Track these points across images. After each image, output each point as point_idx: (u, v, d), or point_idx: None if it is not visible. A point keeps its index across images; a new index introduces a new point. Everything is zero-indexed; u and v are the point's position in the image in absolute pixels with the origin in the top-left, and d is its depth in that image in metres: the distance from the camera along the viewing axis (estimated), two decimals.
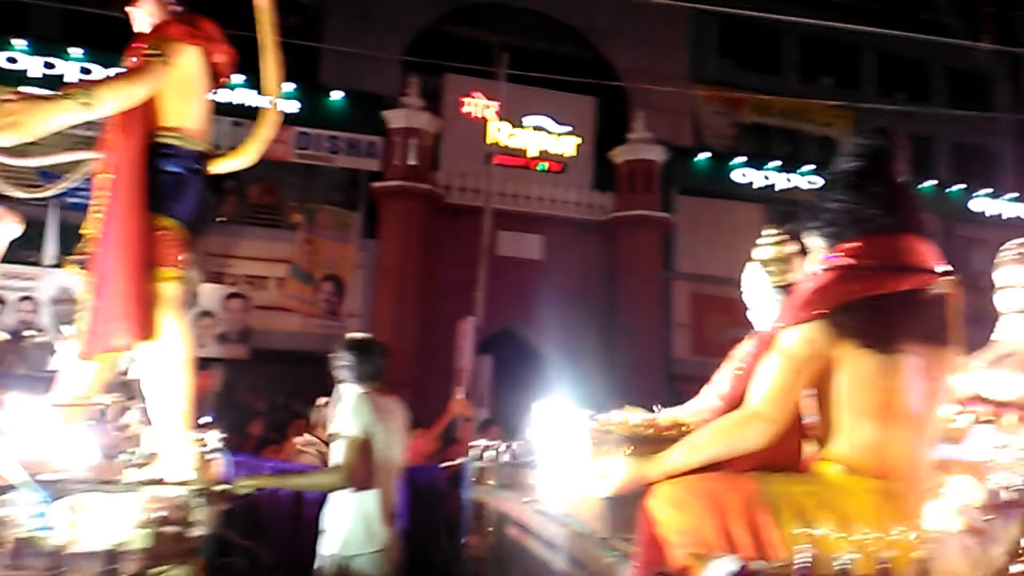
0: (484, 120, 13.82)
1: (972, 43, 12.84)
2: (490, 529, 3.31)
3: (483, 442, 3.70)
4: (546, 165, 14.75)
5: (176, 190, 2.52)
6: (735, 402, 1.99)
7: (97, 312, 2.44)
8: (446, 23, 14.53)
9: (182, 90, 2.58)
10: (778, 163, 15.47)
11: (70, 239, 11.15)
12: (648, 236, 14.02)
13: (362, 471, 3.24)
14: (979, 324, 2.74)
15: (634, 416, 2.53)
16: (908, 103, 15.70)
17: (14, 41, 12.28)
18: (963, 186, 16.40)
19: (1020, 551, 1.58)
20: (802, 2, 12.82)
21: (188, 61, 2.58)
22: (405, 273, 13.12)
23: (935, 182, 15.89)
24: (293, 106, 13.52)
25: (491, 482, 3.46)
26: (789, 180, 15.37)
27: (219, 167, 2.78)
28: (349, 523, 3.28)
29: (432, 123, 13.62)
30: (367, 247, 13.52)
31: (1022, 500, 1.70)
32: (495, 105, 12.85)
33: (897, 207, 2.05)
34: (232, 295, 12.18)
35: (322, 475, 3.57)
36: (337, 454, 3.28)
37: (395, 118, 13.33)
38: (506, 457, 3.54)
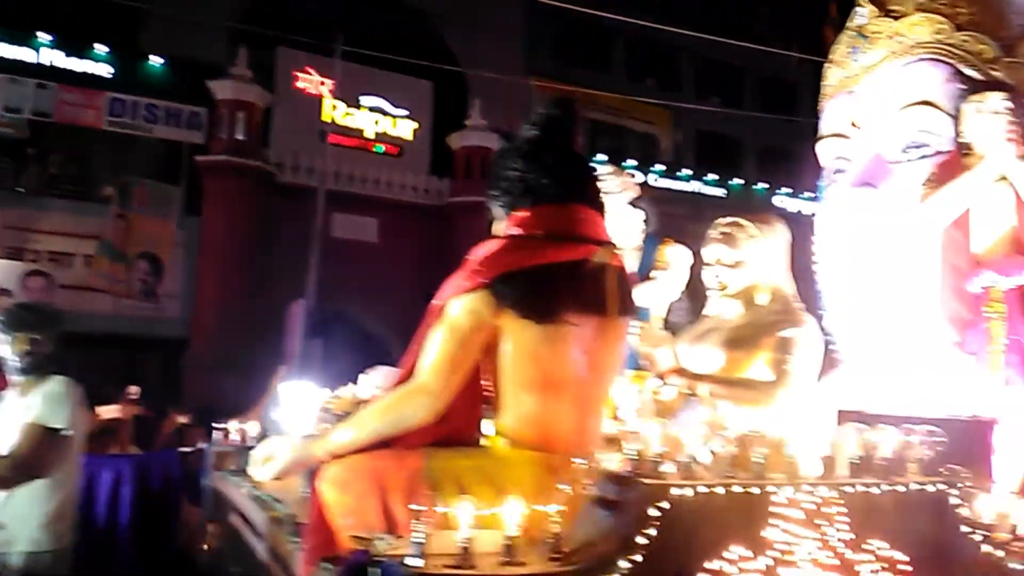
0: (319, 97, 13.41)
1: (782, 51, 13.96)
2: (219, 519, 3.17)
3: (232, 424, 3.58)
4: (383, 147, 14.56)
5: None
6: (407, 376, 1.94)
7: None
8: None
9: None
10: (604, 157, 16.17)
11: None
12: (484, 222, 14.10)
13: (43, 462, 2.93)
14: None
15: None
16: (722, 106, 16.88)
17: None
18: (767, 185, 17.88)
19: (645, 520, 1.59)
20: (633, 4, 13.40)
21: None
22: (231, 253, 12.51)
23: (742, 181, 17.24)
24: (105, 70, 12.51)
25: (231, 467, 3.32)
26: None
27: None
28: (23, 518, 2.95)
29: (262, 97, 13.05)
30: (189, 225, 12.77)
31: (642, 472, 1.69)
32: (330, 83, 12.51)
33: (567, 177, 2.03)
34: (32, 272, 11.07)
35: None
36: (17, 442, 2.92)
37: (222, 89, 12.65)
38: (238, 439, 3.44)
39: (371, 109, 14.38)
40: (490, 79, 13.68)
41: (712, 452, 1.84)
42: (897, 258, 3.00)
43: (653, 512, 1.62)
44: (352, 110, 14.11)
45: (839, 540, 1.84)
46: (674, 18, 12.88)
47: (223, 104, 12.65)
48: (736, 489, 1.74)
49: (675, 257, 3.82)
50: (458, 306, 1.90)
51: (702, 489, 1.69)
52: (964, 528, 2.03)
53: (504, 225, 2.05)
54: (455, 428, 1.94)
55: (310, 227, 10.61)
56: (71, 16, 12.22)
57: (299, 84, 13.83)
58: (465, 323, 1.89)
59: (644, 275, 3.74)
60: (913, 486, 1.98)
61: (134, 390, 5.50)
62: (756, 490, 1.77)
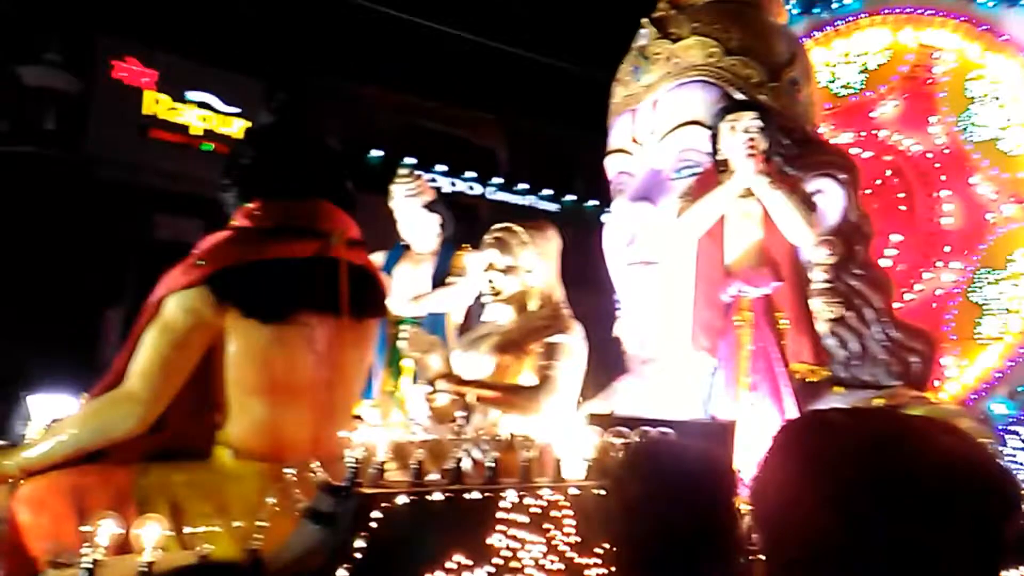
0: (140, 89, 12.62)
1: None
2: None
3: None
4: (212, 146, 13.88)
5: None
6: (115, 380, 1.79)
7: None
8: None
9: None
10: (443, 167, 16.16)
11: None
12: None
13: None
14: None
15: None
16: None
17: None
18: (596, 202, 18.48)
19: (359, 531, 1.51)
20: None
21: None
22: (35, 252, 11.53)
23: (574, 197, 17.68)
24: None
25: None
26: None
27: None
28: None
29: (75, 84, 12.13)
30: None
31: (358, 481, 1.60)
32: (153, 75, 11.80)
33: (302, 170, 1.96)
34: None
35: None
36: None
37: (28, 74, 11.65)
38: None
39: (199, 105, 13.69)
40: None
41: (474, 458, 1.83)
42: (662, 269, 3.15)
43: (368, 522, 1.57)
44: (177, 104, 13.38)
45: (567, 543, 1.87)
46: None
47: (30, 91, 11.66)
48: (459, 495, 1.73)
49: (472, 263, 3.84)
50: (174, 303, 1.77)
51: (422, 496, 1.67)
52: None
53: (232, 218, 1.95)
54: (178, 439, 1.81)
55: (130, 226, 9.95)
56: None
57: (118, 74, 12.97)
58: (181, 322, 1.76)
59: (441, 280, 3.74)
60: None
61: None
62: (479, 495, 1.77)
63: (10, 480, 1.71)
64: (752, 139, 2.80)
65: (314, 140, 2.04)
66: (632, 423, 2.21)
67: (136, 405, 1.72)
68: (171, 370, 1.75)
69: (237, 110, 14.04)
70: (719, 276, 2.82)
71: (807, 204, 2.84)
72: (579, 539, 1.87)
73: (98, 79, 12.60)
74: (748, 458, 2.60)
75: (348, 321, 1.92)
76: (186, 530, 1.60)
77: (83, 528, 1.41)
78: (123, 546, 1.48)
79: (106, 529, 1.43)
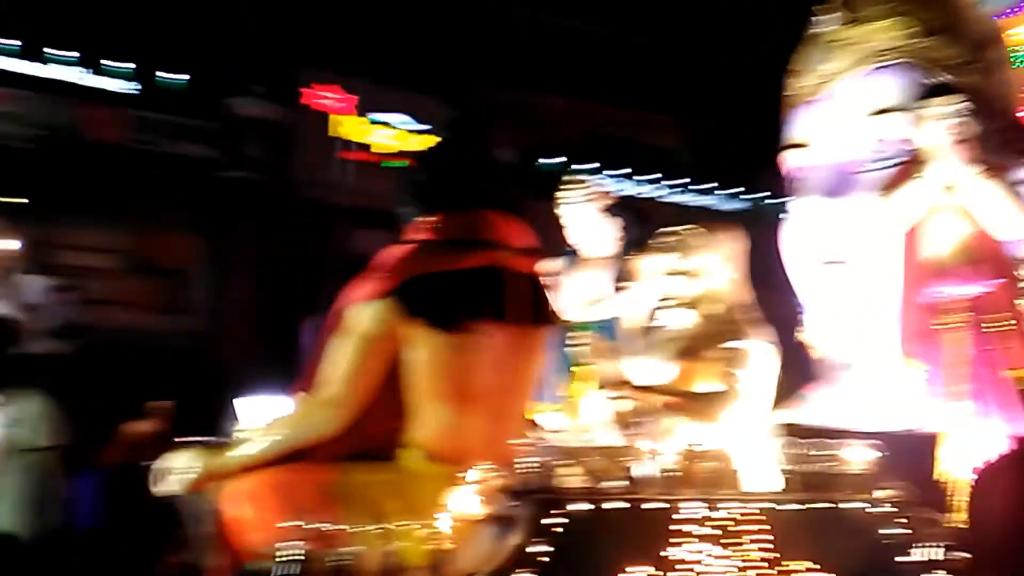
0: (338, 113, 13.56)
1: None
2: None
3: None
4: (406, 163, 14.60)
5: None
6: (310, 386, 1.91)
7: None
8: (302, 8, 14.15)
9: None
10: (623, 171, 16.07)
11: None
12: None
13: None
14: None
15: None
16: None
17: None
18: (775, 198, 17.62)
19: (539, 537, 1.54)
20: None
21: None
22: (249, 268, 12.67)
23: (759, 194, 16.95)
24: (130, 87, 12.78)
25: None
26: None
27: None
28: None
29: (280, 113, 13.22)
30: (210, 240, 12.96)
31: (537, 486, 1.65)
32: (349, 99, 12.65)
33: (474, 183, 2.03)
34: (60, 287, 11.34)
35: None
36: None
37: (241, 106, 12.84)
38: None
39: (391, 125, 14.48)
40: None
41: (657, 468, 1.81)
42: (854, 268, 2.94)
43: (545, 527, 1.59)
44: (371, 127, 14.23)
45: (760, 559, 1.79)
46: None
47: (241, 121, 12.85)
48: (636, 504, 1.70)
49: (649, 267, 3.78)
50: (362, 313, 1.87)
51: (600, 504, 1.66)
52: (902, 548, 1.96)
53: (411, 231, 2.04)
54: (369, 441, 1.92)
55: (330, 241, 10.70)
56: (98, 35, 12.52)
57: (316, 101, 13.99)
58: (370, 331, 1.86)
59: (616, 285, 3.71)
60: (845, 503, 1.92)
61: (161, 405, 5.57)
62: (664, 505, 1.73)
63: (220, 478, 1.87)
64: (959, 125, 2.56)
65: (484, 153, 2.11)
66: (826, 434, 2.09)
67: (335, 409, 1.85)
68: (362, 376, 1.86)
69: (425, 128, 14.76)
70: (927, 275, 2.60)
71: (1016, 195, 2.56)
72: (771, 556, 1.78)
73: (299, 107, 13.67)
74: (960, 470, 2.38)
75: (521, 329, 1.96)
76: (380, 527, 1.68)
77: (290, 523, 1.54)
78: (328, 540, 1.60)
79: (312, 523, 1.54)
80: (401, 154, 14.57)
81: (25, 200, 11.35)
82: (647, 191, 15.99)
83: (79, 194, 12.40)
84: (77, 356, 10.97)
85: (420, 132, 14.73)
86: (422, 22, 13.63)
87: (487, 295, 1.92)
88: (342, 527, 1.57)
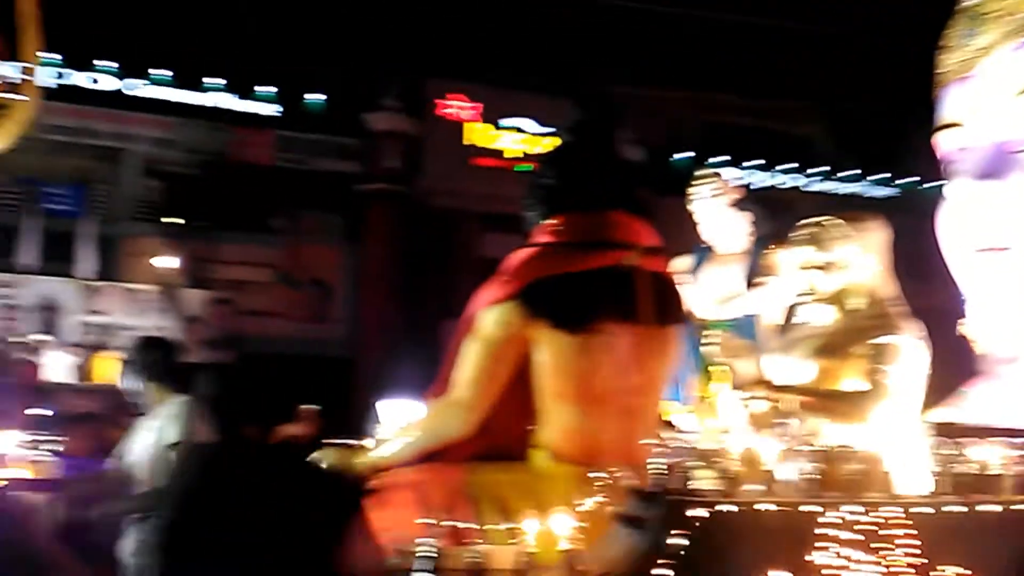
0: (466, 122, 13.85)
1: None
2: None
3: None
4: (532, 167, 14.71)
5: None
6: (443, 389, 1.94)
7: None
8: (422, 24, 14.55)
9: None
10: (758, 162, 15.53)
11: (53, 245, 11.23)
12: None
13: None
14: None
15: None
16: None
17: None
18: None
19: (672, 538, 1.53)
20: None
21: None
22: (388, 276, 13.13)
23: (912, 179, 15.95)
24: (274, 109, 13.55)
25: None
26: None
27: None
28: None
29: (413, 125, 13.64)
30: (350, 250, 13.53)
31: (670, 488, 1.63)
32: (476, 107, 12.91)
33: (599, 183, 2.00)
34: (217, 300, 12.19)
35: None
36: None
37: (376, 120, 13.35)
38: None
39: (517, 130, 14.64)
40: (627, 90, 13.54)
41: (798, 470, 1.74)
42: (1018, 256, 2.71)
43: (678, 529, 1.56)
44: (498, 132, 14.44)
45: (908, 565, 1.68)
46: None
47: (377, 135, 13.35)
48: (779, 507, 1.64)
49: (786, 262, 3.64)
50: (489, 317, 1.91)
51: (736, 506, 1.61)
52: None
53: (535, 234, 2.04)
54: (500, 441, 1.95)
55: (461, 248, 10.94)
56: (242, 61, 13.36)
57: (446, 110, 14.33)
58: (497, 334, 1.89)
59: (752, 280, 3.59)
60: (1002, 506, 1.77)
61: (311, 408, 5.90)
62: (806, 509, 1.66)
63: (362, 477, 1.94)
64: None
65: (608, 152, 2.09)
66: (986, 432, 1.94)
67: (464, 411, 1.89)
68: (491, 379, 1.90)
69: (552, 130, 14.84)
70: None
71: None
72: (920, 562, 1.67)
73: (428, 118, 14.08)
74: None
75: (649, 329, 1.94)
76: (511, 525, 1.70)
77: (425, 520, 1.59)
78: (461, 538, 1.65)
79: (446, 521, 1.59)
80: (529, 158, 14.72)
81: (183, 220, 12.29)
82: (786, 182, 15.39)
83: (232, 212, 13.29)
84: (234, 363, 11.77)
85: (548, 135, 14.84)
86: (542, 23, 13.72)
87: (613, 295, 1.91)
88: (474, 525, 1.60)
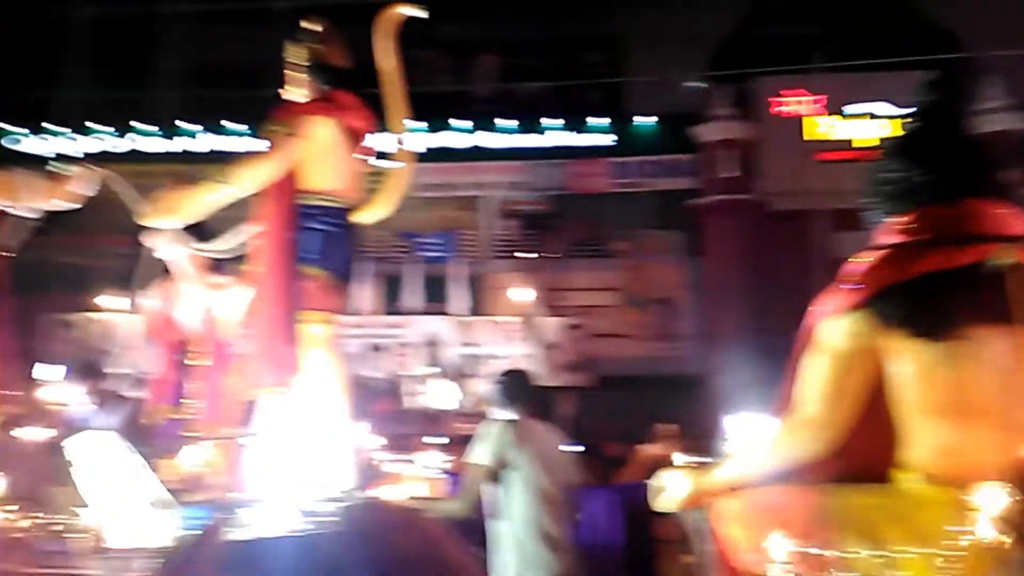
0: (804, 116, 13.12)
1: None
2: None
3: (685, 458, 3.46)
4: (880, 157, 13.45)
5: (321, 244, 2.78)
6: (787, 407, 1.79)
7: (253, 354, 2.78)
8: (749, 25, 14.12)
9: (320, 157, 2.81)
10: None
11: (430, 288, 12.73)
12: None
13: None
14: None
15: None
16: None
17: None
18: None
19: None
20: None
21: (321, 131, 2.81)
22: (734, 288, 12.80)
23: None
24: (608, 139, 14.07)
25: None
26: None
27: (359, 218, 2.95)
28: (503, 551, 3.28)
29: (745, 130, 13.25)
30: (692, 266, 13.46)
31: None
32: (812, 100, 12.16)
33: (953, 171, 1.75)
34: (570, 326, 12.89)
35: (448, 502, 3.56)
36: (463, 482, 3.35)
37: (707, 132, 13.20)
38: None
39: (859, 116, 13.47)
40: (997, 56, 11.73)
41: None
42: None
43: None
44: (838, 122, 13.41)
45: None
46: None
47: (709, 146, 13.17)
48: None
49: None
50: (836, 328, 1.72)
51: None
52: None
53: (882, 234, 1.81)
54: (858, 461, 1.76)
55: (810, 251, 10.33)
56: (574, 99, 14.11)
57: (780, 109, 13.68)
58: (846, 346, 1.70)
59: None
60: None
61: (669, 427, 5.96)
62: None
63: (707, 497, 1.87)
64: None
65: (963, 132, 1.80)
66: None
67: (814, 430, 1.74)
68: (842, 394, 1.72)
69: (901, 109, 13.40)
70: None
71: None
72: None
73: (762, 120, 13.56)
74: None
75: None
76: (880, 554, 1.53)
77: (780, 545, 1.49)
78: (820, 564, 1.53)
79: (803, 546, 1.48)
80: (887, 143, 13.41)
81: (536, 254, 13.22)
82: None
83: (577, 241, 14.02)
84: (591, 386, 12.29)
85: (904, 116, 13.40)
86: None
87: (981, 296, 1.62)
88: (836, 552, 1.47)
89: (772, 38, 13.52)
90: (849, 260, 1.81)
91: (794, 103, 13.44)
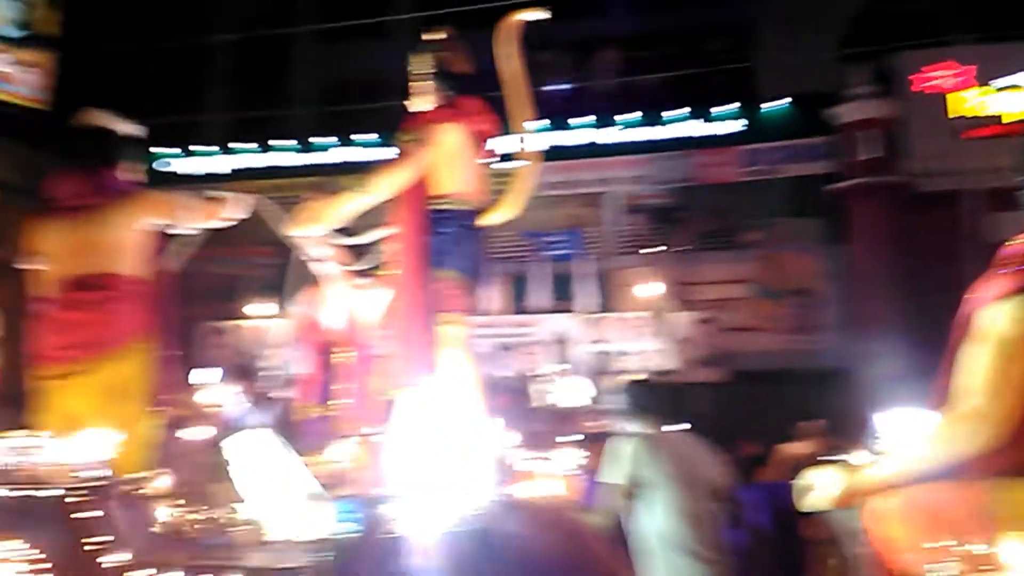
0: (948, 92, 12.26)
1: None
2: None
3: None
4: None
5: (453, 246, 2.88)
6: (944, 399, 1.70)
7: (392, 354, 2.87)
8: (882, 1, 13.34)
9: (449, 162, 2.91)
10: None
11: (558, 286, 12.76)
12: None
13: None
14: None
15: None
16: None
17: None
18: None
19: None
20: None
21: (449, 137, 2.90)
22: (882, 276, 12.12)
23: None
24: (737, 126, 13.63)
25: None
26: None
27: (488, 220, 3.02)
28: (648, 561, 3.21)
29: (886, 109, 12.51)
30: (831, 254, 12.85)
31: None
32: (956, 74, 11.34)
33: None
34: (702, 320, 12.61)
35: (587, 514, 3.38)
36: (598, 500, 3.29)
37: (845, 113, 12.56)
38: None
39: (1008, 88, 12.43)
40: None
41: None
42: None
43: None
44: (987, 97, 12.44)
45: None
46: None
47: (848, 127, 12.51)
48: None
49: None
50: (998, 314, 1.62)
51: None
52: None
53: None
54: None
55: (967, 233, 9.68)
56: (700, 87, 13.77)
57: (922, 85, 12.84)
58: (1009, 333, 1.61)
59: None
60: None
61: (815, 424, 5.75)
62: None
63: (861, 495, 1.78)
64: None
65: None
66: None
67: (978, 423, 1.63)
68: (1009, 385, 1.61)
69: None
70: None
71: None
72: None
73: (904, 97, 12.77)
74: None
75: None
76: None
77: (942, 544, 1.42)
78: (982, 563, 1.49)
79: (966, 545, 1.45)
80: None
81: (664, 247, 12.98)
82: None
83: (706, 233, 13.65)
84: (725, 381, 11.97)
85: None
86: None
87: None
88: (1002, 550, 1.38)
89: (910, 11, 12.72)
90: (1005, 242, 1.69)
91: (938, 78, 12.57)
